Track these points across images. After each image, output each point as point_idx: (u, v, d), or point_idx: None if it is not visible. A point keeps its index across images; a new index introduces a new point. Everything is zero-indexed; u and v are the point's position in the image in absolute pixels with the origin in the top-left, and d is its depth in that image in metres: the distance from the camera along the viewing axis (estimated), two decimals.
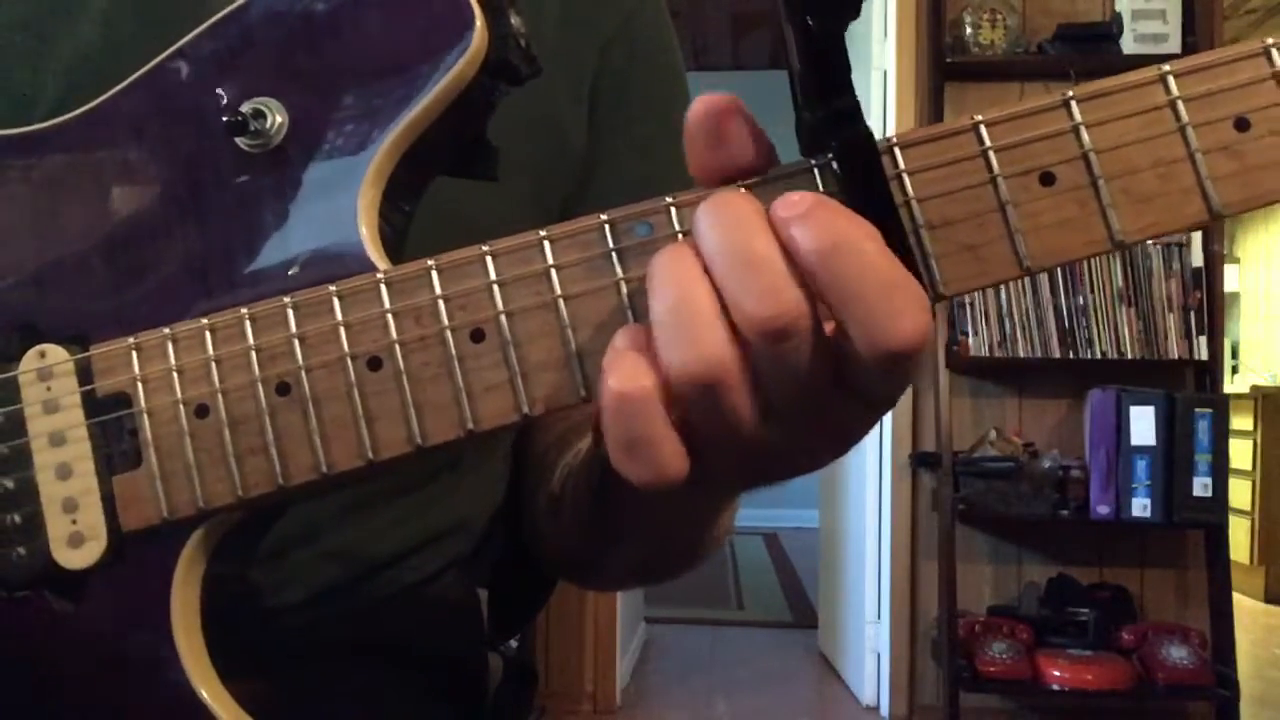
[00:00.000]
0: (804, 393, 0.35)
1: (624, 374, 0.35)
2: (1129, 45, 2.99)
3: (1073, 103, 0.36)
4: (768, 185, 0.37)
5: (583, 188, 0.66)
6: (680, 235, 0.38)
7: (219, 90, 0.44)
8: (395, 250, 0.43)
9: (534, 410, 0.38)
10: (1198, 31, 2.96)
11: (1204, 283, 2.89)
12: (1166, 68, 0.36)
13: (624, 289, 0.38)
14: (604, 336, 0.37)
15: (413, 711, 0.62)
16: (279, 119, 0.43)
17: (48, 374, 0.43)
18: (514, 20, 0.42)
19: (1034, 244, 0.36)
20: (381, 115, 0.42)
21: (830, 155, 0.36)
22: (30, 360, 0.43)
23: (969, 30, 3.07)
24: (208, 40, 0.45)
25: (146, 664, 0.42)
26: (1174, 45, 2.99)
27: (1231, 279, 5.88)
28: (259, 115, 0.43)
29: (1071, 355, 2.90)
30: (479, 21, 0.41)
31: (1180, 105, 0.36)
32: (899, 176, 0.36)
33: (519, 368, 0.38)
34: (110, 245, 0.45)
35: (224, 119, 0.43)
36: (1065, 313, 2.89)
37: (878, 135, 0.36)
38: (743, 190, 0.36)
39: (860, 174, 0.36)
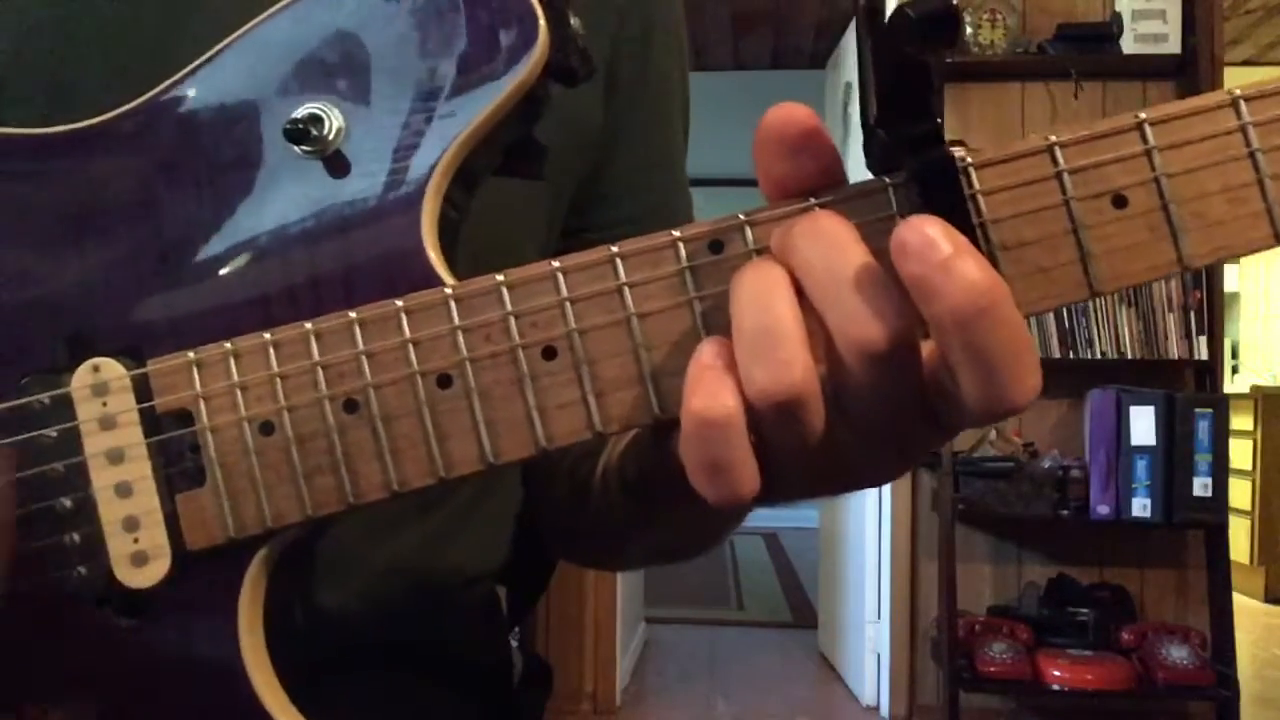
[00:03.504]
0: (888, 416, 0.35)
1: (708, 395, 0.34)
2: (1129, 45, 3.00)
3: (1146, 125, 0.36)
4: (844, 203, 0.37)
5: (603, 164, 0.66)
6: (753, 253, 0.37)
7: (275, 93, 0.43)
8: (449, 245, 0.42)
9: (607, 429, 0.38)
10: (1198, 31, 2.96)
11: (1204, 283, 2.89)
12: (1238, 91, 0.36)
13: (697, 308, 0.37)
14: (678, 355, 0.37)
15: (442, 711, 0.62)
16: (336, 124, 0.42)
17: (103, 389, 0.42)
18: (573, 22, 0.42)
19: (1104, 267, 0.36)
20: (444, 122, 0.41)
21: (907, 176, 0.36)
22: (84, 375, 0.42)
23: (969, 30, 3.07)
24: (262, 39, 0.44)
25: (214, 680, 0.42)
26: (1174, 45, 2.99)
27: (1231, 279, 5.88)
28: (316, 120, 0.42)
29: (1071, 355, 2.90)
30: (542, 26, 0.41)
31: (1251, 130, 0.36)
32: (974, 197, 0.36)
33: (592, 386, 0.38)
34: (162, 253, 0.43)
35: (285, 127, 0.42)
36: (1065, 313, 2.89)
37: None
38: (834, 211, 0.36)
39: (941, 196, 0.35)
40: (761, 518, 6.87)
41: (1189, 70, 2.96)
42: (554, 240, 0.65)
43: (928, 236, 0.32)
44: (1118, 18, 3.01)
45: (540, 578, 0.74)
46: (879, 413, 0.35)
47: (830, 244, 0.34)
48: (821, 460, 0.36)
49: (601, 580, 3.27)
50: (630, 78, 0.66)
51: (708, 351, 0.35)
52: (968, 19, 3.07)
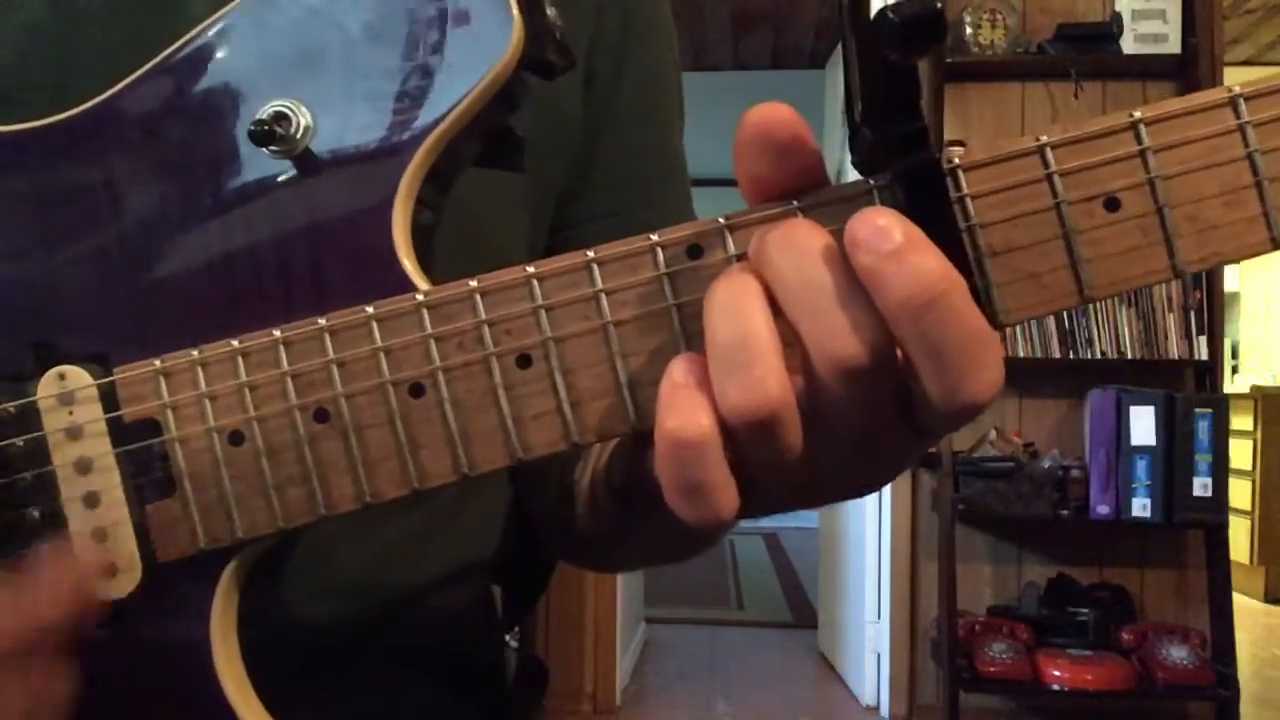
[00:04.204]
0: (867, 428, 0.34)
1: (681, 415, 0.33)
2: (1129, 45, 3.00)
3: (1140, 126, 0.35)
4: (827, 207, 0.35)
5: (586, 158, 0.65)
6: (733, 259, 0.36)
7: (240, 91, 0.42)
8: (423, 249, 0.41)
9: (584, 439, 0.37)
10: (1198, 31, 2.95)
11: (1204, 283, 2.88)
12: (1237, 88, 0.35)
13: (676, 315, 0.36)
14: (657, 363, 0.36)
15: (437, 712, 0.62)
16: (304, 121, 0.41)
17: (70, 398, 0.41)
18: (550, 13, 0.41)
19: (1096, 272, 0.35)
20: (417, 118, 0.40)
21: (891, 177, 0.35)
22: (50, 383, 0.41)
23: (969, 30, 3.06)
24: (225, 35, 0.43)
25: (188, 691, 0.41)
26: (1174, 45, 2.99)
27: (1231, 279, 5.88)
28: (282, 118, 0.41)
29: (1071, 355, 2.90)
30: (516, 17, 0.39)
31: (1250, 130, 0.34)
32: (961, 200, 0.35)
33: (568, 395, 0.37)
34: (128, 257, 0.42)
35: (250, 128, 0.40)
36: (1065, 313, 2.89)
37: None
38: (811, 220, 0.35)
39: (926, 200, 0.34)
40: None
41: (1189, 70, 2.96)
42: (543, 237, 0.65)
43: (878, 227, 0.31)
44: (1118, 18, 3.01)
45: (539, 578, 0.74)
46: (858, 425, 0.34)
47: (803, 254, 0.33)
48: (801, 474, 0.35)
49: (601, 580, 3.27)
50: (608, 73, 0.65)
51: (679, 369, 0.34)
52: (967, 19, 3.07)
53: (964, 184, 0.35)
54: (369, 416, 0.38)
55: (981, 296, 0.35)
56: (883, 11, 0.31)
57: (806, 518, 5.98)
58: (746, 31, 4.51)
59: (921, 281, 0.31)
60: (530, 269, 0.37)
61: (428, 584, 0.61)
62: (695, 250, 0.37)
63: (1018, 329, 2.90)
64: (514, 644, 0.73)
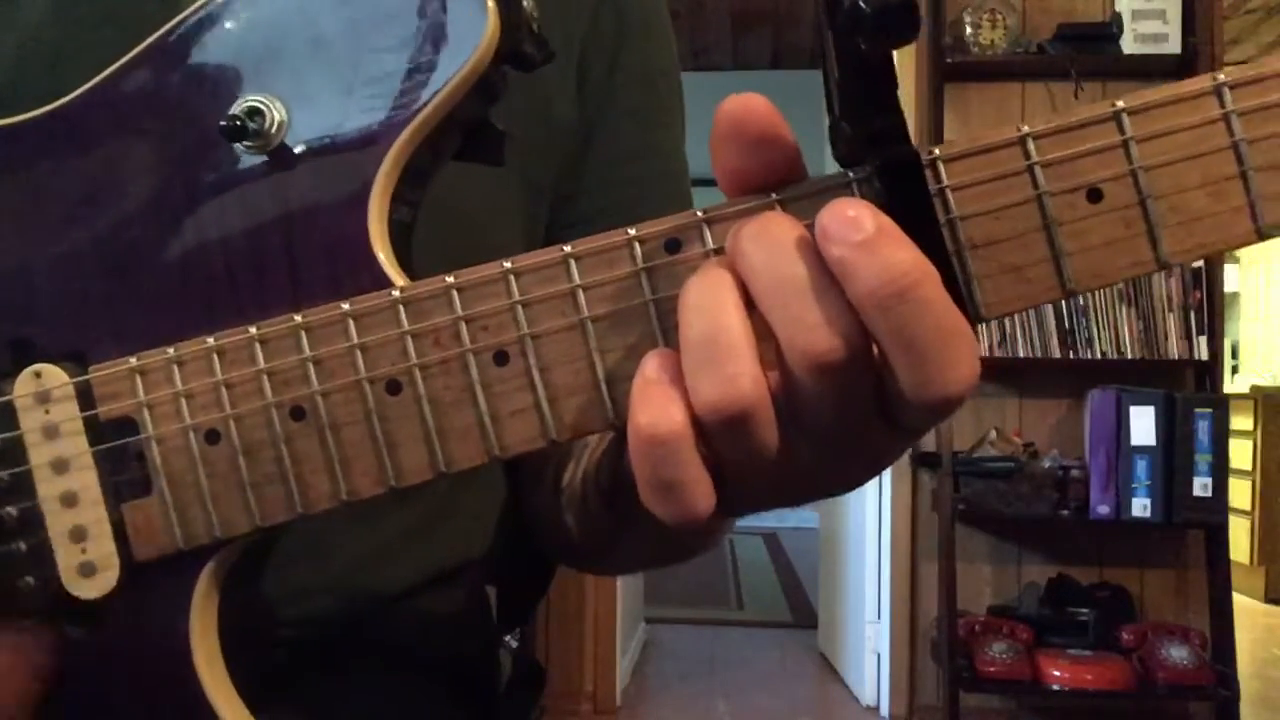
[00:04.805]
0: (844, 425, 0.34)
1: (653, 411, 0.33)
2: (1129, 45, 2.99)
3: (1123, 115, 0.34)
4: (806, 199, 0.35)
5: (579, 159, 0.65)
6: (711, 253, 0.36)
7: (213, 85, 0.42)
8: (402, 247, 0.41)
9: (561, 436, 0.37)
10: (1198, 31, 2.95)
11: (1204, 283, 2.88)
12: (1222, 77, 0.34)
13: (653, 310, 0.36)
14: (634, 360, 0.35)
15: (427, 712, 0.62)
16: (278, 116, 0.40)
17: (46, 397, 0.41)
18: (526, 4, 0.40)
19: (1079, 265, 0.34)
20: (392, 112, 0.40)
21: (870, 170, 0.35)
22: (26, 382, 0.41)
23: (969, 30, 3.06)
24: (199, 31, 0.42)
25: (168, 692, 0.41)
26: (1174, 45, 2.99)
27: (1231, 279, 5.88)
28: (256, 114, 0.40)
29: (1071, 355, 2.90)
30: (492, 8, 0.39)
31: (1234, 119, 0.34)
32: (941, 192, 0.34)
33: (545, 392, 0.37)
34: (103, 254, 0.42)
35: (221, 124, 0.40)
36: (1065, 313, 2.89)
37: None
38: (786, 214, 0.34)
39: (904, 194, 0.34)
40: (761, 517, 6.85)
41: (1189, 70, 2.96)
42: (539, 239, 0.64)
43: (848, 217, 0.31)
44: (1118, 18, 3.01)
45: (538, 581, 0.73)
46: (834, 421, 0.34)
47: (776, 247, 0.33)
48: (779, 471, 0.35)
49: (601, 580, 3.27)
50: (602, 73, 0.65)
51: (652, 365, 0.34)
52: (967, 19, 3.07)
53: (944, 176, 0.34)
54: (345, 414, 0.38)
55: (962, 290, 0.34)
56: (854, 2, 0.31)
57: (806, 518, 5.98)
58: (746, 31, 4.51)
59: (891, 272, 0.31)
60: (507, 264, 0.37)
61: (420, 582, 0.61)
62: (673, 244, 0.36)
63: (1018, 328, 2.90)
64: (514, 644, 0.73)
